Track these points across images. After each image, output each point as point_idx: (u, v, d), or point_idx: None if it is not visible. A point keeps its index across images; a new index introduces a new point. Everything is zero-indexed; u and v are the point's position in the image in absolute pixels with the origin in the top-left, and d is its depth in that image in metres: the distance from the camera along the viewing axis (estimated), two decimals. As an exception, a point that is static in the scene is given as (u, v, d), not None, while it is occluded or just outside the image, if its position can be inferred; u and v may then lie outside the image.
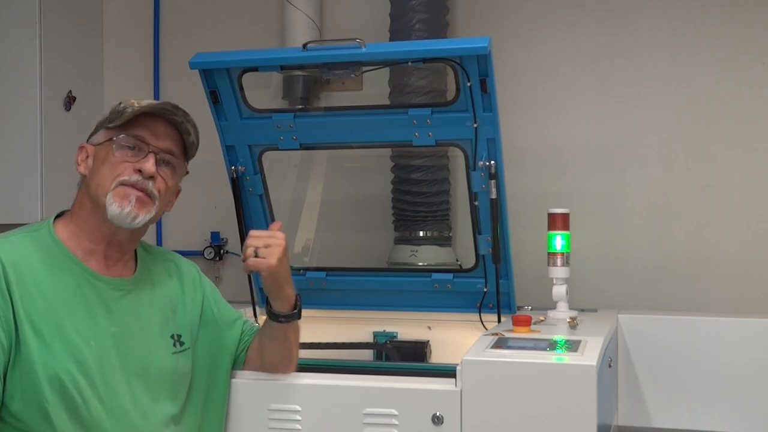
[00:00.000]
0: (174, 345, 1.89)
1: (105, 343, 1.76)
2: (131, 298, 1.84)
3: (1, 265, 1.67)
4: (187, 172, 1.94)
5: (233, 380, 2.01)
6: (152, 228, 3.14)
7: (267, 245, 1.89)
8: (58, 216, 1.86)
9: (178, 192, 1.95)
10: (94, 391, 1.72)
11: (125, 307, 1.82)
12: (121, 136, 1.79)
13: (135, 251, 1.93)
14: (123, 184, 1.77)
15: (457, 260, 3.05)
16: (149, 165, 1.78)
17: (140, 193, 1.78)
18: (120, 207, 1.76)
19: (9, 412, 1.66)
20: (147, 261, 1.94)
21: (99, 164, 1.80)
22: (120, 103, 1.81)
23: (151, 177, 1.79)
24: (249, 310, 2.79)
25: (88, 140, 1.86)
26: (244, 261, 1.90)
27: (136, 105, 1.80)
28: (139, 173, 1.78)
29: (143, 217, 1.79)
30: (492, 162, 2.47)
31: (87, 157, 1.83)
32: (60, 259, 1.77)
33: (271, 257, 1.88)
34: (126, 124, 1.79)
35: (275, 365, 2.02)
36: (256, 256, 1.88)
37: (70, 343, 1.70)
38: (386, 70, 2.95)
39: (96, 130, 1.85)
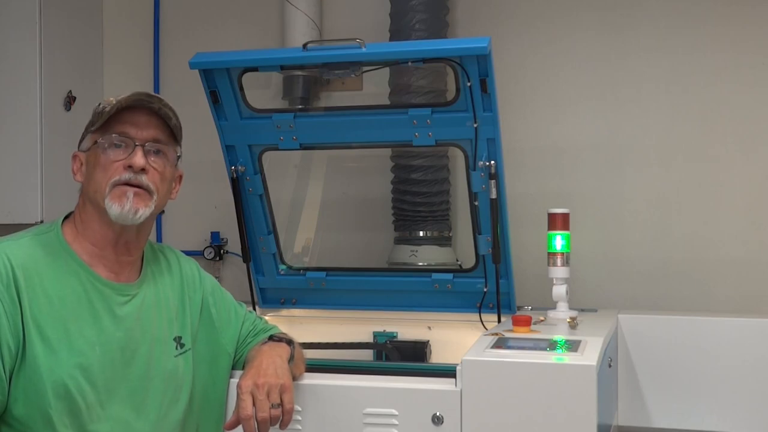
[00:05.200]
0: (176, 348, 1.89)
1: (110, 348, 1.75)
2: (136, 302, 1.83)
3: (11, 269, 1.67)
4: (179, 156, 1.90)
5: (232, 380, 2.01)
6: (153, 228, 3.14)
7: (262, 409, 1.81)
8: (66, 217, 1.85)
9: (180, 178, 1.94)
10: (97, 396, 1.71)
11: (130, 312, 1.81)
12: (106, 136, 1.78)
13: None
14: (117, 184, 1.76)
15: (457, 260, 3.05)
16: (138, 158, 1.77)
17: (136, 189, 1.77)
18: (120, 206, 1.75)
19: (12, 416, 1.66)
20: (151, 262, 1.93)
21: (92, 169, 1.79)
22: (99, 104, 1.81)
23: (143, 170, 1.78)
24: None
25: (78, 148, 1.85)
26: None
27: (113, 101, 1.79)
28: (130, 169, 1.77)
29: (144, 211, 1.78)
30: (492, 162, 2.47)
31: (81, 164, 1.83)
32: (67, 263, 1.76)
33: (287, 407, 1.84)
34: (108, 123, 1.79)
35: None
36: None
37: (75, 348, 1.70)
38: (386, 70, 2.95)
39: (83, 136, 1.84)
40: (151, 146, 1.81)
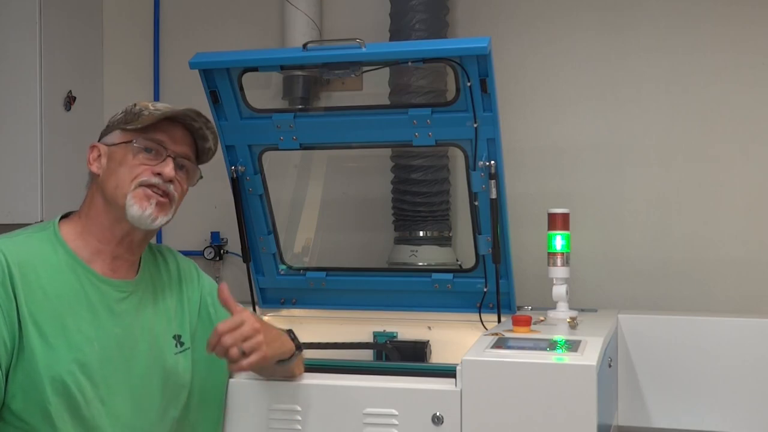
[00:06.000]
0: (175, 346, 1.89)
1: (108, 344, 1.75)
2: (134, 299, 1.84)
3: (6, 265, 1.67)
4: (201, 177, 1.93)
5: (232, 380, 2.01)
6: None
7: (245, 338, 1.72)
8: (64, 217, 1.86)
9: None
10: (96, 392, 1.72)
11: (128, 309, 1.82)
12: (141, 139, 1.79)
13: None
14: (143, 185, 1.77)
15: (457, 260, 3.05)
16: (169, 169, 1.79)
17: (161, 198, 1.79)
18: (141, 209, 1.76)
19: (10, 412, 1.67)
20: (149, 261, 1.94)
21: (116, 165, 1.79)
22: (135, 105, 1.82)
23: (170, 180, 1.80)
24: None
25: (100, 139, 1.85)
26: (231, 363, 1.72)
27: (152, 107, 1.80)
28: (158, 176, 1.78)
29: (162, 219, 1.80)
30: (492, 162, 2.47)
31: (99, 156, 1.82)
32: (64, 260, 1.76)
33: (259, 348, 1.74)
34: (144, 127, 1.80)
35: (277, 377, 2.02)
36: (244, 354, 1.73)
37: (73, 344, 1.70)
38: (386, 70, 2.96)
39: (109, 130, 1.84)
40: (180, 161, 1.83)
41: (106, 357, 1.75)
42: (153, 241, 1.97)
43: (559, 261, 2.52)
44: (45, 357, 1.67)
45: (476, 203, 2.57)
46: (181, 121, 1.83)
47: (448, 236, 3.08)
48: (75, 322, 1.72)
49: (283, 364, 1.92)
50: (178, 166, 1.83)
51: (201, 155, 1.91)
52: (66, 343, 1.69)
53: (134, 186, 1.77)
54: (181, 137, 1.84)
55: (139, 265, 1.90)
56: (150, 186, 1.78)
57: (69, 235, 1.80)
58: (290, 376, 2.00)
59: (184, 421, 1.89)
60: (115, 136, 1.82)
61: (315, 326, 2.83)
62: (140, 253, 1.89)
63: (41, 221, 3.05)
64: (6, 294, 1.66)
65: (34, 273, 1.70)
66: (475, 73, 2.38)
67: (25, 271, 1.69)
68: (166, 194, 1.80)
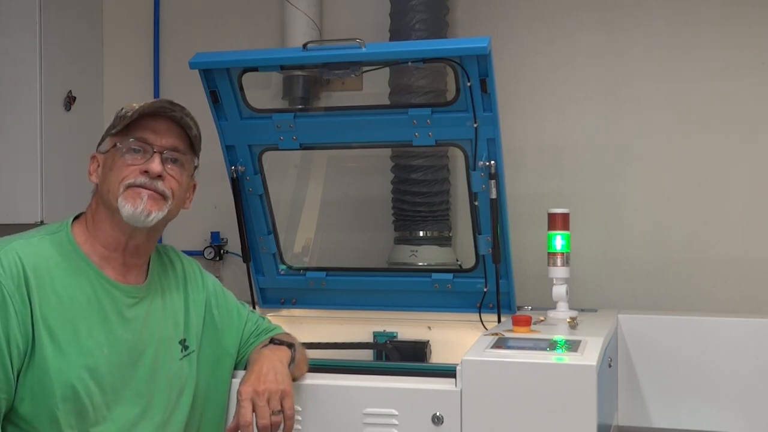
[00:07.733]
0: (181, 350, 1.89)
1: (118, 350, 1.75)
2: (144, 305, 1.84)
3: (22, 268, 1.67)
4: (197, 166, 1.92)
5: (234, 380, 2.01)
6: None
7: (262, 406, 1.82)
8: (75, 218, 1.85)
9: (194, 187, 1.94)
10: (103, 398, 1.72)
11: (138, 315, 1.81)
12: (125, 140, 1.79)
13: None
14: (130, 186, 1.77)
15: (457, 260, 3.05)
16: (155, 165, 1.78)
17: (151, 192, 1.78)
18: (133, 206, 1.75)
19: (17, 415, 1.66)
20: (157, 264, 1.93)
21: (108, 171, 1.79)
22: (122, 109, 1.81)
23: (159, 176, 1.78)
24: (249, 311, 2.79)
25: (97, 149, 1.86)
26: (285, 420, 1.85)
27: (136, 106, 1.80)
28: (146, 174, 1.77)
29: (156, 213, 1.78)
30: (492, 162, 2.47)
31: (98, 166, 1.83)
32: (77, 264, 1.76)
33: (278, 392, 1.84)
34: (128, 127, 1.79)
35: None
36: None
37: (84, 349, 1.70)
38: (386, 70, 2.96)
39: (103, 138, 1.85)
40: (169, 154, 1.81)
41: (115, 363, 1.74)
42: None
43: (559, 261, 2.52)
44: (56, 362, 1.66)
45: (476, 203, 2.57)
46: (162, 114, 1.82)
47: (448, 236, 3.08)
48: (87, 327, 1.72)
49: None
50: (171, 160, 1.82)
51: (193, 143, 1.89)
52: (77, 349, 1.69)
53: (123, 188, 1.76)
54: (166, 130, 1.82)
55: (148, 268, 1.90)
56: (138, 186, 1.77)
57: (80, 238, 1.80)
58: (295, 379, 2.00)
59: (188, 424, 1.89)
60: (106, 144, 1.83)
61: (315, 326, 2.83)
62: (148, 256, 1.89)
63: (41, 221, 3.05)
64: (21, 298, 1.65)
65: (48, 276, 1.70)
66: (475, 73, 2.38)
67: (40, 275, 1.69)
68: (156, 191, 1.78)
